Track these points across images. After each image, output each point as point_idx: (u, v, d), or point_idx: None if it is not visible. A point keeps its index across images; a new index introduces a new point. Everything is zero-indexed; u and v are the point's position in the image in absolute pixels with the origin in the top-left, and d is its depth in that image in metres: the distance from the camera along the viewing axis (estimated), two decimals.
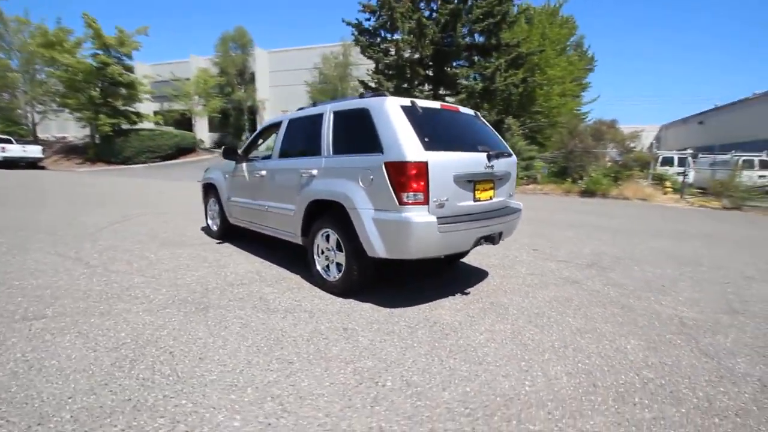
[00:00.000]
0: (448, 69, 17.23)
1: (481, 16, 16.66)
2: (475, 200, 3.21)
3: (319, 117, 3.65)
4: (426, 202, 2.85)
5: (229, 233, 5.30)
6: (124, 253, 4.58)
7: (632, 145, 15.32)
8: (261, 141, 4.86)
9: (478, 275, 4.15)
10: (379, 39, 19.12)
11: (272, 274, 3.97)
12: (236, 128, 34.60)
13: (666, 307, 3.41)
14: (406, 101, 3.13)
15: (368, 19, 18.90)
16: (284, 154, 4.02)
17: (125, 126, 22.95)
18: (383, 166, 2.90)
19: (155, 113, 27.48)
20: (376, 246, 2.97)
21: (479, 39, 17.52)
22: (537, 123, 20.05)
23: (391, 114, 3.02)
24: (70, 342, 2.47)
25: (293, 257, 4.52)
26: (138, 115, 23.36)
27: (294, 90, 32.70)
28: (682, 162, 15.86)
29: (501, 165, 3.43)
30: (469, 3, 16.61)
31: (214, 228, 5.47)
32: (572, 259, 4.95)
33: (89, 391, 1.98)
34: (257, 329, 2.73)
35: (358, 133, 3.25)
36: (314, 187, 3.45)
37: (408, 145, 2.85)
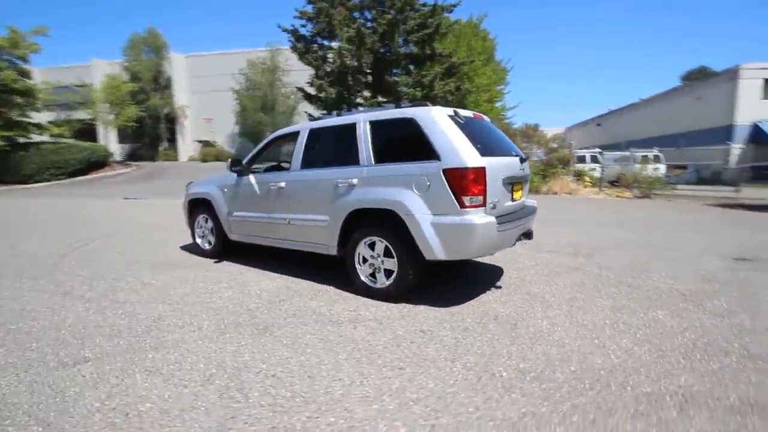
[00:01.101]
0: (388, 77, 17.72)
1: (416, 27, 17.47)
2: (512, 200, 3.49)
3: (350, 127, 3.67)
4: (484, 204, 3.06)
5: (224, 251, 4.98)
6: (117, 281, 4.09)
7: (554, 145, 17.15)
8: (266, 153, 4.66)
9: (493, 271, 4.46)
10: (315, 46, 19.04)
11: (303, 287, 3.86)
12: (152, 138, 31.74)
13: (660, 282, 4.02)
14: (449, 110, 3.31)
15: (304, 26, 18.75)
16: (308, 164, 3.94)
17: (23, 140, 19.74)
18: (441, 173, 3.04)
19: (53, 123, 24.03)
20: (436, 249, 3.10)
21: (414, 49, 18.31)
22: None
23: (441, 123, 3.18)
24: (148, 381, 2.22)
25: (308, 268, 4.42)
26: (39, 126, 20.26)
27: (218, 96, 31.01)
28: (594, 159, 18.22)
29: (526, 167, 3.77)
30: (405, 14, 17.29)
31: (206, 246, 5.09)
32: (557, 249, 5.51)
33: (223, 428, 1.83)
34: (338, 342, 2.70)
35: (405, 142, 3.35)
36: (356, 197, 3.46)
37: (466, 151, 3.03)
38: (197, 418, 1.90)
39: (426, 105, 3.39)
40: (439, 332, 2.84)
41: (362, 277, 3.55)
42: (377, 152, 3.44)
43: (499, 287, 3.86)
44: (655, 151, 17.70)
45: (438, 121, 3.19)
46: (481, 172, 3.01)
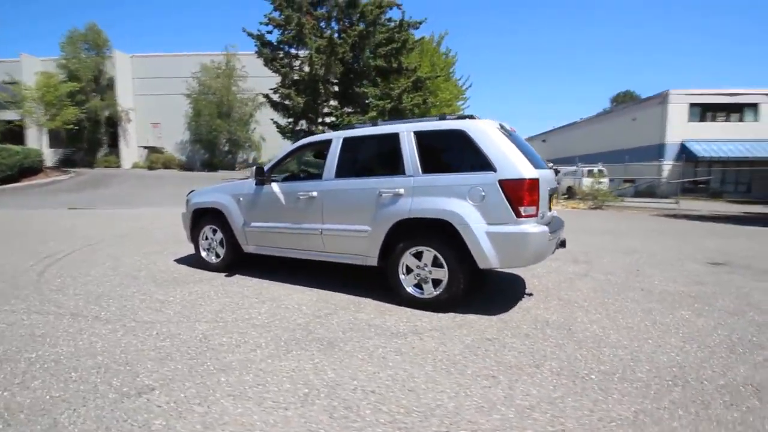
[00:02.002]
0: (357, 88, 17.81)
1: (384, 41, 17.79)
2: (549, 211, 3.67)
3: (392, 137, 3.67)
4: (536, 214, 3.19)
5: (235, 264, 4.70)
6: (126, 299, 3.71)
7: None
8: (288, 161, 4.49)
9: (512, 278, 4.62)
10: (281, 53, 18.72)
11: (340, 300, 3.74)
12: (91, 142, 29.15)
13: (665, 285, 4.40)
14: (496, 123, 3.43)
15: (270, 32, 18.37)
16: (343, 173, 3.86)
17: None
18: (497, 184, 3.14)
19: None
20: (491, 258, 3.17)
21: (381, 62, 18.60)
22: None
23: (493, 135, 3.29)
24: (241, 407, 2.04)
25: (329, 280, 4.30)
26: None
27: (167, 100, 29.25)
28: None
29: (556, 180, 3.99)
30: (374, 27, 17.55)
31: (213, 260, 4.77)
32: (556, 257, 5.82)
33: None
34: (415, 354, 2.65)
35: (455, 153, 3.42)
36: (403, 207, 3.45)
37: (521, 163, 3.16)
38: None
39: (472, 117, 3.49)
40: (504, 339, 2.90)
41: (408, 288, 3.53)
42: (424, 163, 3.46)
43: (531, 294, 4.01)
44: (599, 166, 19.33)
45: (489, 134, 3.29)
46: (535, 183, 3.15)
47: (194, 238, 4.88)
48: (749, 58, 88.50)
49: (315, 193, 3.94)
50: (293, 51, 18.76)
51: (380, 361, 2.56)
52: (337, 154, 3.92)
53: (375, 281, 4.23)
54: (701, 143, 21.36)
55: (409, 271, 3.54)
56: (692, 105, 21.97)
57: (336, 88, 18.76)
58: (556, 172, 3.85)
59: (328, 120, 19.10)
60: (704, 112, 22.18)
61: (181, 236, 7.12)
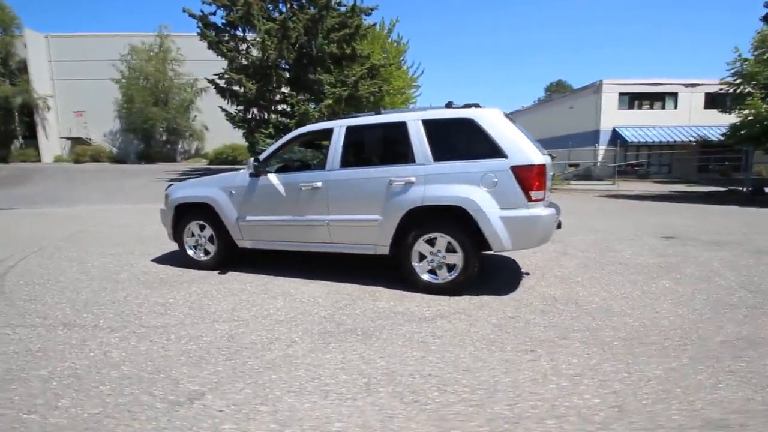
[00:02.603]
0: (311, 74, 17.32)
1: (337, 26, 17.40)
2: (548, 194, 3.91)
3: (399, 125, 3.68)
4: (544, 198, 3.39)
5: (226, 261, 4.48)
6: (120, 304, 3.42)
7: None
8: (284, 151, 4.31)
9: (503, 260, 4.87)
10: (227, 36, 17.66)
11: (352, 290, 3.72)
12: (3, 134, 25.71)
13: (635, 259, 4.89)
14: (500, 111, 3.56)
15: (213, 13, 17.22)
16: (348, 163, 3.81)
17: None
18: (510, 170, 3.28)
19: None
20: (504, 241, 3.33)
21: (334, 48, 18.20)
22: None
23: (501, 123, 3.42)
24: (309, 402, 2.00)
25: (328, 271, 4.27)
26: None
27: (94, 85, 26.53)
28: None
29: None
30: (326, 11, 17.08)
31: (202, 258, 4.51)
32: None
33: (446, 429, 1.80)
34: (452, 336, 2.74)
35: (465, 141, 3.51)
36: (415, 194, 3.49)
37: (531, 149, 3.33)
38: (410, 426, 1.82)
39: (477, 106, 3.60)
40: (525, 317, 3.08)
41: (422, 275, 3.60)
42: (434, 151, 3.52)
43: (528, 273, 4.26)
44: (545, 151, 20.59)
45: (498, 122, 3.42)
46: (543, 168, 3.34)
47: (178, 235, 4.57)
48: (667, 45, 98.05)
49: (319, 184, 3.85)
50: (240, 34, 17.78)
51: (421, 345, 2.62)
52: (341, 143, 3.85)
53: (376, 270, 4.28)
54: (630, 129, 23.55)
55: (422, 258, 3.61)
56: (621, 94, 24.09)
57: (287, 75, 18.10)
58: (552, 157, 4.10)
59: (280, 107, 18.45)
60: (632, 100, 24.45)
61: (143, 235, 6.66)
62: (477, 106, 3.60)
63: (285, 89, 18.57)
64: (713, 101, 21.48)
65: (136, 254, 5.32)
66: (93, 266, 4.70)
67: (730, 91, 19.34)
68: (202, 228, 4.47)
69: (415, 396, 2.05)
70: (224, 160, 27.00)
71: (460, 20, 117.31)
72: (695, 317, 3.04)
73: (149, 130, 26.28)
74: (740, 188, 13.51)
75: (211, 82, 17.75)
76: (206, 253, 4.51)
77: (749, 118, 17.78)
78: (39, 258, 5.13)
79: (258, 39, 16.01)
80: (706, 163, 22.40)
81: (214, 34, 16.97)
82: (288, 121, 16.61)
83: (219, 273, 4.35)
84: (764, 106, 16.94)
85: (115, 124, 27.20)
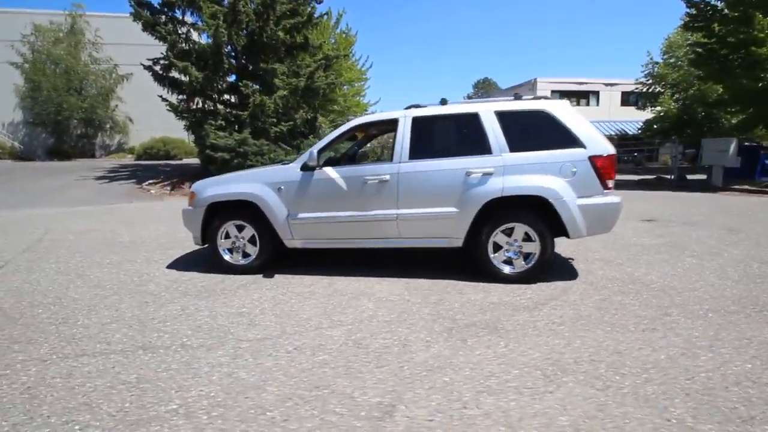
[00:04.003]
0: (264, 63, 16.35)
1: (289, 12, 16.60)
2: None
3: (471, 117, 3.66)
4: (613, 186, 3.60)
5: (270, 263, 4.11)
6: (183, 320, 2.98)
7: None
8: (339, 143, 4.02)
9: None
10: (165, 17, 15.97)
11: (432, 285, 3.62)
12: None
13: (641, 240, 5.41)
14: (568, 103, 3.70)
15: None
16: (418, 155, 3.69)
17: None
18: (588, 159, 3.44)
19: None
20: (582, 228, 3.49)
21: (286, 36, 17.36)
22: (343, 121, 21.83)
23: (573, 114, 3.56)
24: (507, 399, 1.95)
25: (384, 265, 4.14)
26: None
27: None
28: None
29: None
30: None
31: (240, 261, 4.07)
32: None
33: (664, 405, 1.86)
34: (571, 323, 2.82)
35: (540, 132, 3.58)
36: (495, 185, 3.50)
37: (604, 140, 3.51)
38: (629, 411, 1.85)
39: (547, 98, 3.71)
40: (613, 298, 3.28)
41: (498, 264, 3.64)
42: (512, 142, 3.56)
43: (572, 258, 4.51)
44: None
45: (571, 113, 3.56)
46: (615, 157, 3.55)
47: (210, 238, 4.07)
48: (583, 46, 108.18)
49: (387, 177, 3.68)
50: (179, 16, 16.18)
51: (553, 333, 2.66)
52: (408, 135, 3.72)
53: (427, 262, 4.24)
54: None
55: (497, 248, 3.64)
56: (553, 91, 26.29)
57: (234, 62, 16.90)
58: None
59: (226, 98, 17.18)
60: (562, 97, 26.74)
61: (125, 241, 5.85)
62: (545, 98, 3.71)
63: (230, 78, 17.34)
64: (629, 99, 24.39)
65: (140, 262, 4.66)
66: (100, 278, 4.01)
67: (644, 90, 22.03)
68: (240, 229, 4.04)
69: (602, 382, 2.08)
70: (155, 155, 24.45)
71: (383, 11, 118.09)
72: (745, 287, 3.47)
73: (62, 122, 22.87)
74: (668, 176, 15.52)
75: (148, 68, 15.95)
76: (245, 255, 4.09)
77: (661, 113, 20.45)
78: (16, 274, 4.24)
79: (204, 22, 14.68)
80: (623, 155, 25.38)
81: (149, 14, 15.22)
82: (241, 113, 15.54)
83: (264, 276, 3.98)
84: (673, 103, 19.60)
85: (16, 115, 23.23)
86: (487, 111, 3.63)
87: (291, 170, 3.90)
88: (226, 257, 4.09)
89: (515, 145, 3.56)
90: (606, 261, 4.36)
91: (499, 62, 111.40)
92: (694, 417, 1.81)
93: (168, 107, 16.13)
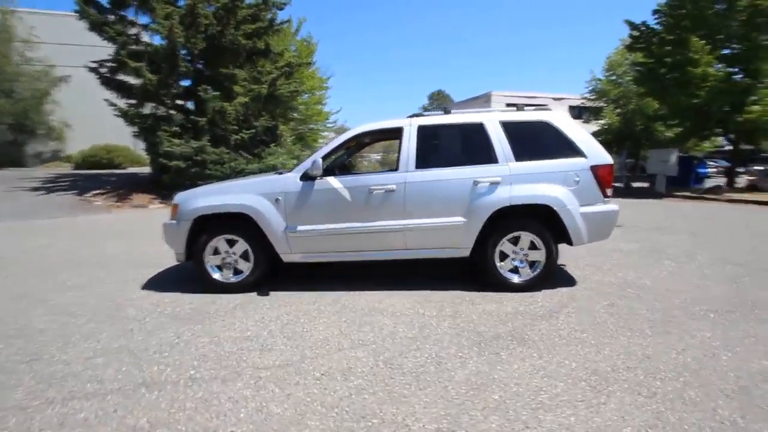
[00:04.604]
0: (224, 69, 15.69)
1: (249, 17, 16.12)
2: None
3: (476, 126, 3.65)
4: (611, 194, 3.72)
5: (264, 279, 3.83)
6: (186, 347, 2.67)
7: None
8: (339, 152, 3.83)
9: None
10: (114, 17, 14.90)
11: (444, 297, 3.53)
12: None
13: (624, 246, 5.69)
14: (567, 114, 3.80)
15: None
16: (424, 164, 3.61)
17: None
18: (589, 168, 3.54)
19: None
20: (584, 235, 3.58)
21: (247, 42, 16.82)
22: (303, 129, 21.48)
23: (573, 125, 3.66)
24: (572, 411, 1.89)
25: (383, 278, 4.01)
26: None
27: None
28: None
29: None
30: (238, 1, 15.67)
31: (231, 278, 3.76)
32: None
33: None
34: (592, 330, 2.84)
35: (543, 142, 3.64)
36: (502, 194, 3.50)
37: (603, 150, 3.63)
38: (687, 420, 1.86)
39: (548, 109, 3.79)
40: (618, 302, 3.36)
41: (505, 273, 3.63)
42: (517, 151, 3.59)
43: (564, 264, 4.61)
44: None
45: (571, 124, 3.66)
46: (613, 167, 3.68)
47: (197, 254, 3.72)
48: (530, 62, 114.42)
49: (393, 186, 3.57)
50: (130, 17, 15.18)
51: (581, 342, 2.65)
52: (414, 144, 3.64)
53: (426, 272, 4.18)
54: None
55: (503, 257, 3.64)
56: (507, 104, 27.54)
57: (191, 66, 16.09)
58: None
59: (180, 103, 16.27)
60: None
61: (83, 257, 5.27)
62: (547, 108, 3.79)
63: (185, 83, 16.47)
64: (575, 113, 26.11)
65: (111, 283, 4.17)
66: (67, 304, 3.53)
67: (588, 105, 23.69)
68: (231, 243, 3.73)
69: (646, 389, 2.09)
70: (97, 164, 22.59)
71: (339, 20, 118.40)
72: (728, 287, 3.71)
73: None
74: (617, 184, 16.66)
75: (93, 70, 14.77)
76: (236, 272, 3.78)
77: (605, 126, 22.04)
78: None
79: (158, 23, 13.85)
80: None
81: (97, 13, 14.12)
82: (199, 119, 14.76)
83: (259, 294, 3.70)
84: (616, 117, 21.20)
85: None
86: (492, 121, 3.65)
87: (290, 180, 3.67)
88: (216, 275, 3.75)
89: (520, 155, 3.60)
90: (596, 267, 4.50)
91: (451, 76, 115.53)
92: (742, 417, 1.86)
93: (116, 112, 14.97)
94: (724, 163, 20.73)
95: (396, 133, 3.75)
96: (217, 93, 15.27)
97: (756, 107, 12.33)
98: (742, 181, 14.49)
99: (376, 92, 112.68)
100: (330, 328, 2.92)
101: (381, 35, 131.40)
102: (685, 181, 14.60)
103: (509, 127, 3.65)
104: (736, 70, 13.50)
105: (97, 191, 14.72)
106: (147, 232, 7.44)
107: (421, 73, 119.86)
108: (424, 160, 3.64)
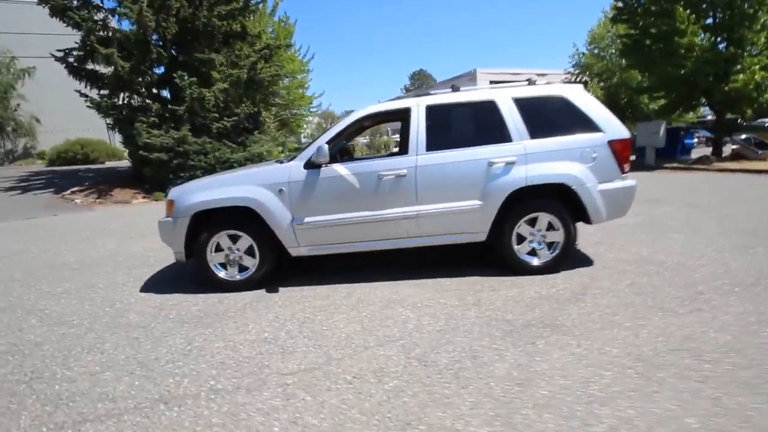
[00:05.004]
0: (199, 53, 14.97)
1: None
2: None
3: (488, 104, 3.47)
4: (629, 169, 3.61)
5: (271, 274, 3.63)
6: (198, 354, 2.49)
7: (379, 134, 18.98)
8: (345, 136, 3.60)
9: None
10: (77, 2, 13.97)
11: (462, 284, 3.40)
12: None
13: (622, 221, 5.65)
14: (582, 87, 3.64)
15: None
16: (435, 146, 3.42)
17: None
18: (607, 144, 3.40)
19: None
20: (603, 213, 3.47)
21: (221, 23, 16.05)
22: (286, 115, 20.88)
23: (589, 99, 3.51)
24: (629, 402, 1.79)
25: (392, 267, 3.87)
26: None
27: None
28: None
29: None
30: None
31: (237, 276, 3.55)
32: None
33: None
34: (625, 313, 2.74)
35: (558, 117, 3.49)
36: (518, 174, 3.35)
37: (620, 123, 3.49)
38: (748, 405, 1.78)
39: (557, 83, 3.62)
40: (640, 281, 3.29)
41: (523, 257, 3.52)
42: (532, 128, 3.42)
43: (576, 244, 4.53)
44: None
45: (587, 98, 3.51)
46: (631, 141, 3.56)
47: (198, 252, 3.49)
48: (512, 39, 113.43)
49: (404, 171, 3.38)
50: (95, 1, 14.27)
51: (616, 326, 2.56)
52: (424, 125, 3.44)
53: (435, 258, 4.05)
54: None
55: (520, 239, 3.52)
56: (491, 81, 27.27)
57: (164, 51, 15.30)
58: None
59: (158, 91, 15.53)
60: None
61: (69, 261, 4.95)
62: (559, 83, 3.62)
63: (159, 70, 15.69)
64: None
65: (104, 287, 3.91)
66: (60, 312, 3.28)
67: (573, 80, 23.63)
68: (234, 239, 3.51)
69: (697, 372, 2.01)
70: (71, 159, 21.62)
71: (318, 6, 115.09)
72: (743, 259, 3.67)
73: None
74: None
75: (60, 60, 13.93)
76: (242, 269, 3.57)
77: None
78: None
79: (126, 7, 13.04)
80: None
81: None
82: (177, 108, 14.12)
83: (268, 291, 3.51)
84: (600, 91, 21.18)
85: None
86: (504, 98, 3.47)
87: (293, 169, 3.44)
88: (220, 274, 3.54)
89: (535, 132, 3.44)
90: (608, 244, 4.44)
91: (432, 54, 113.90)
92: None
93: (89, 103, 14.23)
94: (706, 133, 21.05)
95: (404, 114, 3.54)
96: (194, 79, 14.56)
97: (741, 76, 12.41)
98: (726, 150, 14.70)
99: (354, 77, 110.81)
100: (351, 324, 2.77)
101: (356, 17, 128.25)
102: (672, 153, 14.74)
103: (522, 104, 3.47)
104: (720, 39, 13.52)
105: (76, 188, 14.10)
106: (133, 229, 7.11)
107: (401, 54, 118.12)
108: (434, 142, 3.45)
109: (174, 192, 3.62)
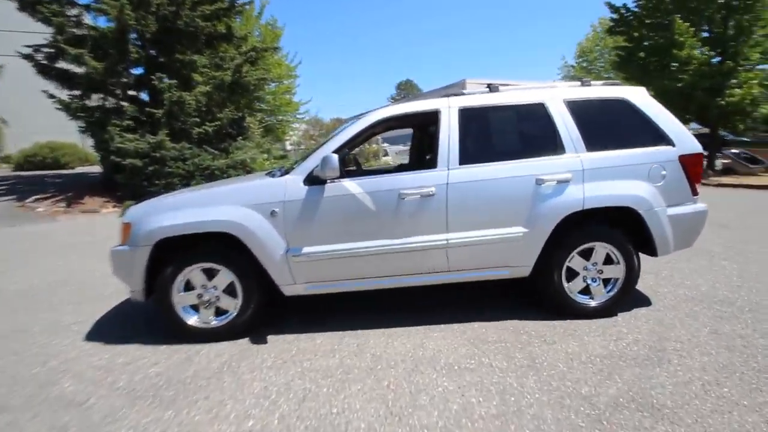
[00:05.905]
0: (181, 55, 14.08)
1: None
2: None
3: (534, 107, 2.80)
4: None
5: (255, 319, 2.84)
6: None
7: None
8: (357, 143, 2.86)
9: None
10: None
11: (501, 333, 2.69)
12: None
13: None
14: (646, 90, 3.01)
15: None
16: (470, 158, 2.72)
17: None
18: (677, 159, 2.77)
19: None
20: (671, 243, 2.83)
21: (205, 24, 15.22)
22: (272, 121, 20.07)
23: (656, 105, 2.89)
24: None
25: (396, 306, 3.14)
26: None
27: None
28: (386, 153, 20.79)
29: None
30: None
31: (213, 322, 2.75)
32: None
33: None
34: (693, 353, 2.09)
35: (620, 126, 2.85)
36: (574, 195, 2.67)
37: (691, 135, 2.87)
38: None
39: (617, 84, 2.98)
40: (719, 326, 2.64)
41: (575, 296, 2.84)
42: (589, 138, 2.77)
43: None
44: None
45: (653, 103, 2.88)
46: (702, 157, 2.94)
47: (161, 291, 2.67)
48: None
49: (432, 189, 2.65)
50: None
51: (729, 403, 1.89)
52: (456, 132, 2.74)
53: (455, 293, 3.32)
54: None
55: (571, 275, 2.83)
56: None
57: (143, 51, 14.35)
58: None
59: (134, 93, 14.53)
60: None
61: (13, 285, 4.01)
62: (616, 83, 3.00)
63: (136, 71, 14.71)
64: None
65: (38, 331, 3.04)
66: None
67: None
68: (210, 275, 2.71)
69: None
70: (40, 164, 20.25)
71: (306, 6, 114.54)
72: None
73: None
74: None
75: (27, 57, 12.86)
76: (219, 313, 2.77)
77: None
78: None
79: (104, 3, 12.09)
80: None
81: None
82: (155, 111, 13.15)
83: (252, 342, 2.72)
84: None
85: None
86: (555, 99, 2.81)
87: (290, 185, 2.68)
88: (191, 320, 2.73)
89: (592, 142, 2.78)
90: (652, 273, 3.78)
91: (417, 67, 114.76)
92: None
93: (57, 105, 13.15)
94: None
95: (429, 118, 2.84)
96: (174, 81, 13.64)
97: (738, 90, 12.27)
98: (717, 164, 14.57)
99: (340, 86, 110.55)
100: (371, 404, 2.00)
101: (344, 25, 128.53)
102: None
103: (576, 108, 2.81)
104: (716, 53, 13.41)
105: (40, 196, 12.92)
106: (96, 245, 6.17)
107: (387, 65, 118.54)
108: (469, 154, 2.75)
109: (132, 212, 2.80)
